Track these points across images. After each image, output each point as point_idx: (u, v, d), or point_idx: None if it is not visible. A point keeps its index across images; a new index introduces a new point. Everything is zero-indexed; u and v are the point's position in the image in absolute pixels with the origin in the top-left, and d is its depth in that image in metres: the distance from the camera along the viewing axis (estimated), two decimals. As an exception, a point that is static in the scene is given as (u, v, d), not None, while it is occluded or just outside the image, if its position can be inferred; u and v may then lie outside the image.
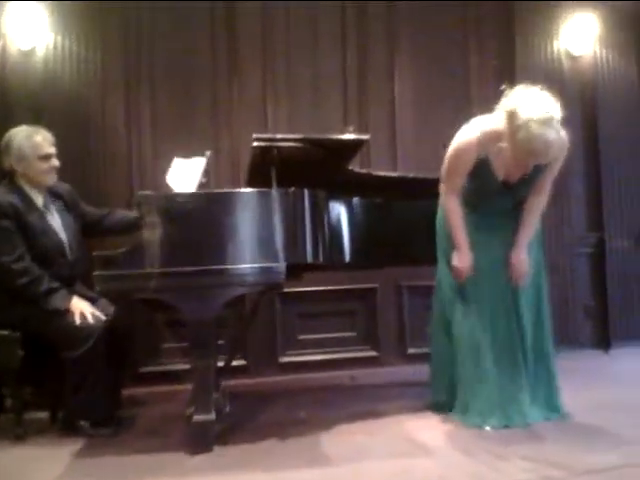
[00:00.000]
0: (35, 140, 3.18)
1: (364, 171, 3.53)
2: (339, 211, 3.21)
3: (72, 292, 3.14)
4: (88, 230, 3.42)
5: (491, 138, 2.83)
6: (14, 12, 4.07)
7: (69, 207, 3.34)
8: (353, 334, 4.51)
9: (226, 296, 2.75)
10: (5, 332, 3.06)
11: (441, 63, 4.66)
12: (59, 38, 4.19)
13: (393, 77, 4.62)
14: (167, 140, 4.31)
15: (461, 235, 3.00)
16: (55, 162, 3.24)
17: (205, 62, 4.41)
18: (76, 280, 3.28)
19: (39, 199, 3.22)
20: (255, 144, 2.87)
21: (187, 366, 2.94)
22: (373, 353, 4.51)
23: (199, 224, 2.73)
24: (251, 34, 4.44)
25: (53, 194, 3.30)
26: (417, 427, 2.96)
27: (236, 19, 4.44)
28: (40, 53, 4.16)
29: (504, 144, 2.75)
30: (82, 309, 3.02)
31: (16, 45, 4.11)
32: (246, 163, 3.36)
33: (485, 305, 2.99)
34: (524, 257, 2.99)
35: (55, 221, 3.24)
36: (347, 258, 3.23)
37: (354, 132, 3.04)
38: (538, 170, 2.87)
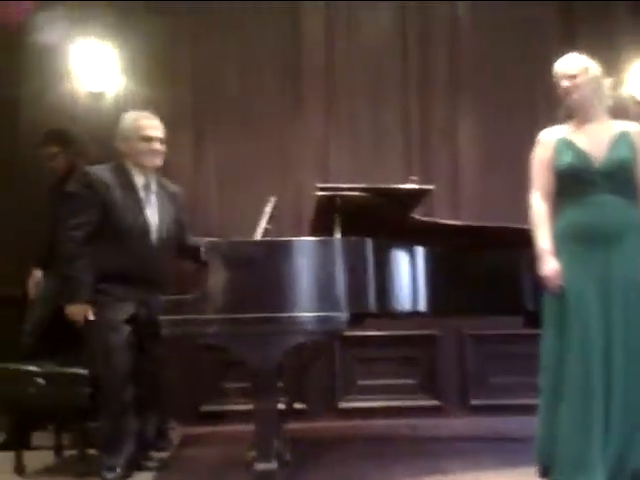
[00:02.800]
0: (139, 122, 3.24)
1: (429, 219, 3.50)
2: (403, 259, 3.18)
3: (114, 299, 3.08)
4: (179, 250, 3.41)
5: (554, 128, 2.90)
6: (82, 54, 4.25)
7: (173, 202, 3.35)
8: (414, 382, 4.44)
9: (286, 344, 2.73)
10: (73, 370, 3.12)
11: (506, 112, 4.61)
12: (127, 80, 4.36)
13: (457, 126, 4.60)
14: (232, 185, 4.41)
15: (541, 237, 2.81)
16: (157, 146, 3.24)
17: (271, 108, 4.50)
18: (159, 274, 3.20)
19: (140, 179, 3.23)
20: (319, 194, 2.90)
21: (249, 406, 2.93)
22: (435, 402, 4.42)
23: (261, 271, 2.74)
24: (316, 83, 4.53)
25: (163, 186, 3.33)
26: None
27: (302, 65, 4.55)
28: (109, 95, 4.34)
29: None
30: (74, 318, 3.06)
31: (86, 87, 4.31)
32: (308, 209, 3.40)
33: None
34: None
35: (149, 202, 3.23)
36: (410, 307, 3.18)
37: (417, 182, 3.05)
38: (620, 146, 2.78)
